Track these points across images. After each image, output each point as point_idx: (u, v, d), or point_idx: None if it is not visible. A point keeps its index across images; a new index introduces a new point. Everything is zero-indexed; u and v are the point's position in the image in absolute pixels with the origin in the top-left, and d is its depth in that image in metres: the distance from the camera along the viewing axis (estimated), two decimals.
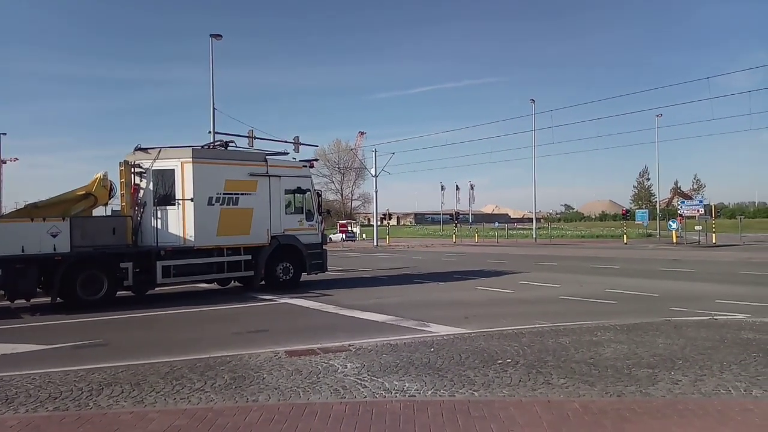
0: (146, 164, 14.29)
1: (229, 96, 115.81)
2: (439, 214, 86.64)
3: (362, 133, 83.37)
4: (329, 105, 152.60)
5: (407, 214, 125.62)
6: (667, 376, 6.25)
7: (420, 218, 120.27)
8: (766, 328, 8.88)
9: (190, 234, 14.05)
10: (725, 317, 10.12)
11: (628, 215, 52.47)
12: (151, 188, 14.22)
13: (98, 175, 14.31)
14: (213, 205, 14.45)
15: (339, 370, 6.70)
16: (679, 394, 5.65)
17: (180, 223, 14.07)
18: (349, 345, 8.10)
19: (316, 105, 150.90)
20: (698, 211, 40.68)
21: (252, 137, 29.70)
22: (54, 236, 12.29)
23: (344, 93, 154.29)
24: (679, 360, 6.92)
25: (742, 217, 55.13)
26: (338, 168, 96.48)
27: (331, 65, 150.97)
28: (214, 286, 16.34)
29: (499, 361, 6.99)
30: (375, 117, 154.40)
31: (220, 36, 30.64)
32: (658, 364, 6.73)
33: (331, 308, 12.40)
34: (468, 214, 75.83)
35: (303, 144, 31.29)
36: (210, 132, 28.86)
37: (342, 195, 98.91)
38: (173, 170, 14.22)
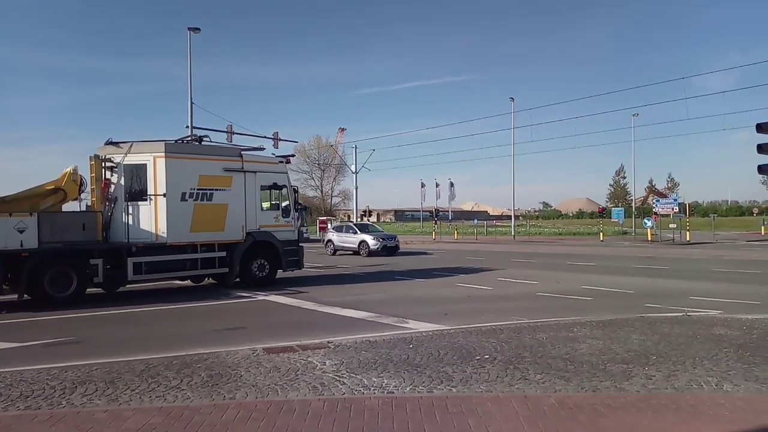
0: (117, 158, 14.05)
1: (208, 91, 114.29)
2: (419, 211, 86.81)
3: (342, 130, 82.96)
4: (309, 101, 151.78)
5: (387, 211, 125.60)
6: (641, 371, 6.36)
7: (400, 215, 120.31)
8: (737, 324, 9.08)
9: (162, 230, 13.85)
10: (698, 314, 10.32)
11: (604, 213, 53.13)
12: (123, 183, 13.99)
13: (68, 169, 14.02)
14: (186, 200, 14.26)
15: (317, 367, 6.68)
16: (653, 389, 5.75)
17: (152, 218, 13.86)
18: (328, 342, 8.09)
19: (295, 101, 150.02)
20: (673, 209, 41.36)
21: (230, 132, 29.45)
22: (21, 231, 12.03)
23: (324, 89, 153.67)
24: (653, 356, 7.04)
25: (715, 215, 56.27)
26: (318, 164, 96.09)
27: (311, 61, 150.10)
28: (188, 283, 16.17)
29: (477, 357, 7.04)
30: (355, 113, 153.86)
31: (198, 29, 30.21)
32: (633, 360, 6.84)
33: (309, 305, 12.35)
34: (448, 211, 76.02)
35: (282, 140, 31.03)
36: (187, 126, 28.52)
37: (322, 191, 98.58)
38: (145, 165, 14.00)
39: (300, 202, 48.54)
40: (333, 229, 32.97)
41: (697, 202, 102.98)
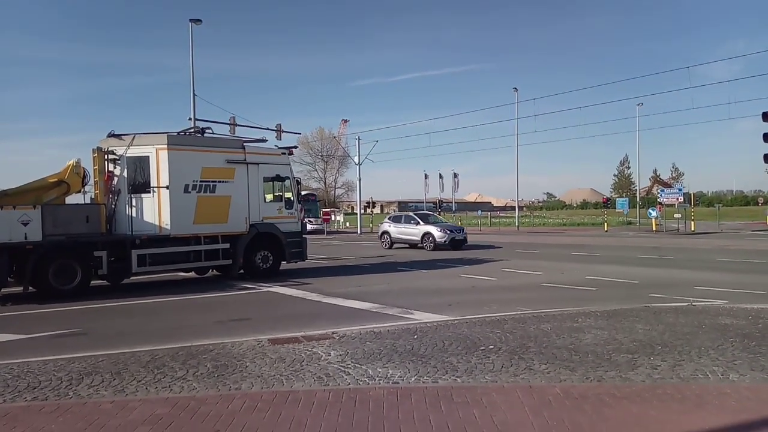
0: (120, 151, 14.04)
1: (211, 83, 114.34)
2: (423, 202, 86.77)
3: (345, 121, 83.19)
4: (312, 92, 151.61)
5: (391, 203, 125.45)
6: (646, 361, 6.35)
7: (404, 206, 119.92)
8: (743, 313, 9.05)
9: (165, 222, 13.87)
10: (703, 303, 10.29)
11: (608, 203, 53.07)
12: (126, 175, 13.99)
13: (71, 162, 14.02)
14: (189, 192, 14.26)
15: (322, 358, 6.69)
16: (658, 378, 5.74)
17: (155, 211, 13.87)
18: (333, 333, 8.10)
19: (298, 92, 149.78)
20: (677, 199, 41.25)
21: (233, 124, 29.45)
22: (25, 224, 12.04)
23: (327, 80, 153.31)
24: (658, 345, 7.03)
25: (720, 205, 55.99)
26: (321, 156, 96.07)
27: (313, 53, 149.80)
28: (192, 275, 16.20)
29: (482, 348, 7.04)
30: (358, 104, 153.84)
31: (200, 21, 30.12)
32: (638, 350, 6.83)
33: (314, 296, 12.38)
34: (451, 203, 75.92)
35: (285, 131, 31.07)
36: (190, 119, 28.53)
37: (325, 183, 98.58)
38: (148, 157, 13.99)
39: (314, 193, 47.68)
40: (389, 219, 29.26)
41: (702, 191, 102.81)
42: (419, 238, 26.02)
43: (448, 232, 25.66)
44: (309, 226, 42.45)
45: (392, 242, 27.50)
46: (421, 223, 26.58)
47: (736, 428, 4.42)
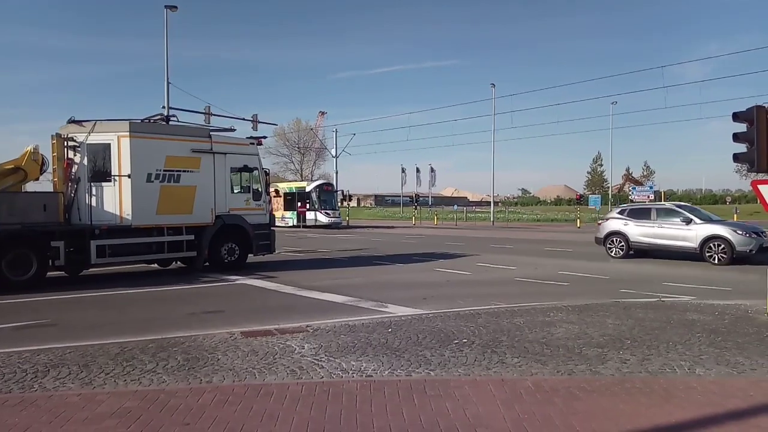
0: (80, 138, 13.63)
1: (189, 74, 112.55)
2: (400, 196, 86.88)
3: (323, 113, 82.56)
4: (289, 84, 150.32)
5: (367, 196, 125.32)
6: (615, 355, 6.46)
7: (380, 200, 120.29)
8: (709, 309, 9.26)
9: (127, 212, 13.53)
10: (672, 299, 10.50)
11: (581, 200, 53.86)
12: (86, 163, 13.58)
13: (29, 148, 13.57)
14: (152, 182, 13.93)
15: (296, 351, 6.65)
16: (627, 372, 5.84)
17: (116, 200, 13.53)
18: (307, 326, 8.06)
19: (276, 84, 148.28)
20: (648, 196, 42.08)
21: (208, 114, 29.09)
22: None
23: (305, 73, 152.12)
24: (627, 340, 7.15)
25: (690, 203, 57.19)
26: (298, 148, 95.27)
27: (292, 45, 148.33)
28: (155, 266, 15.88)
29: (456, 341, 7.08)
30: (336, 97, 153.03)
31: (176, 8, 29.63)
32: (608, 344, 6.94)
33: (288, 289, 12.30)
34: (428, 197, 76.25)
35: (262, 122, 30.89)
36: (164, 107, 28.07)
37: (302, 175, 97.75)
38: (109, 144, 13.60)
39: (330, 182, 46.12)
40: (622, 213, 19.26)
41: (672, 190, 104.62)
42: (696, 245, 16.76)
43: (753, 235, 16.38)
44: (325, 219, 41.28)
45: (629, 248, 18.30)
46: (696, 220, 17.15)
47: (702, 421, 4.52)
